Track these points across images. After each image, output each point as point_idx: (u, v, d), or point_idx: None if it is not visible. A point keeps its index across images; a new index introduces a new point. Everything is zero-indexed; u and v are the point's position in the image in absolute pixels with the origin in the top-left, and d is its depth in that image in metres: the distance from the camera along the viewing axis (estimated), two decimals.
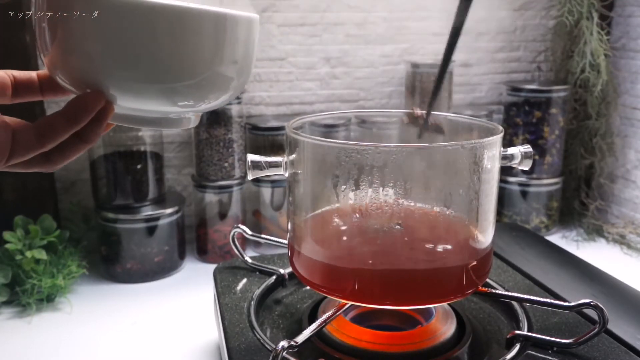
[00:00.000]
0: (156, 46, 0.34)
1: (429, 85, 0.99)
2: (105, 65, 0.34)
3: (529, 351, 0.48)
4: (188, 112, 0.40)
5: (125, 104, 0.37)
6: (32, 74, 0.40)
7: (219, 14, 0.36)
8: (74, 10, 0.33)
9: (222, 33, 0.36)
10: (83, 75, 0.35)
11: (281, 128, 0.93)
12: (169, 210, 0.87)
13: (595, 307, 0.47)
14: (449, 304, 0.54)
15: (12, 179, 0.86)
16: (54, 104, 0.90)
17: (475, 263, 0.48)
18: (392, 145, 0.45)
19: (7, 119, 0.35)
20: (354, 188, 0.46)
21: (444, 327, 0.51)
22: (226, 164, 0.92)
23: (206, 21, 0.35)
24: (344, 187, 0.46)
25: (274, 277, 0.62)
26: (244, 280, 0.62)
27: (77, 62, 0.35)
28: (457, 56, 1.07)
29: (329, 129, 0.61)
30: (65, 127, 0.35)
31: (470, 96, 1.11)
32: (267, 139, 0.94)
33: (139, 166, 0.87)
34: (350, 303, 0.49)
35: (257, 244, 0.96)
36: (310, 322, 0.50)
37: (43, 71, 0.40)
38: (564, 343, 0.48)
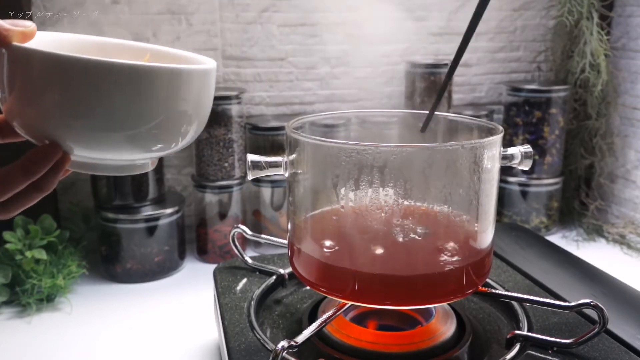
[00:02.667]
0: (112, 102, 0.34)
1: (428, 85, 0.99)
2: (62, 119, 0.35)
3: (529, 351, 0.48)
4: (144, 159, 0.41)
5: (83, 154, 0.37)
6: None
7: (173, 71, 0.36)
8: (30, 66, 0.34)
9: (176, 88, 0.36)
10: (40, 127, 0.36)
11: (281, 128, 0.93)
12: (169, 210, 0.87)
13: (595, 307, 0.47)
14: (449, 304, 0.54)
15: None
16: None
17: (475, 263, 0.48)
18: (392, 145, 0.45)
19: None
20: (354, 188, 0.46)
21: (444, 327, 0.51)
22: (226, 164, 0.92)
23: (160, 77, 0.35)
24: (344, 187, 0.46)
25: (274, 277, 0.61)
26: (244, 280, 0.62)
27: (34, 116, 0.35)
28: None
29: (329, 129, 0.61)
30: (22, 179, 0.35)
31: (470, 96, 1.11)
32: (267, 139, 0.94)
33: None
34: (350, 303, 0.49)
35: (257, 244, 0.96)
36: (310, 322, 0.50)
37: (2, 115, 0.40)
38: (564, 343, 0.48)
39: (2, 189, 0.35)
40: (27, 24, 0.36)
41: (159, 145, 0.38)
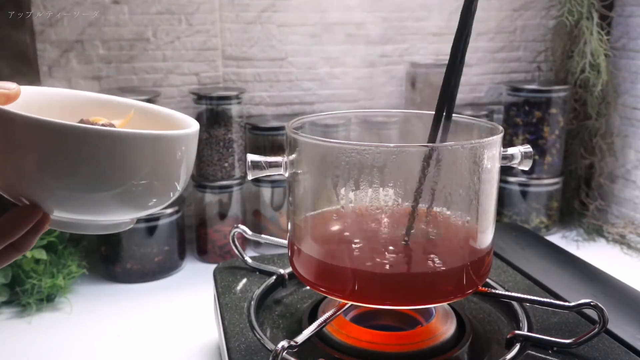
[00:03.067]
0: (93, 166, 0.35)
1: (428, 85, 0.99)
2: (42, 182, 0.35)
3: (529, 351, 0.48)
4: (123, 219, 0.41)
5: (63, 214, 0.37)
6: None
7: (155, 138, 0.36)
8: (11, 129, 0.34)
9: (159, 153, 0.37)
10: (20, 189, 0.36)
11: (281, 128, 0.93)
12: (169, 210, 0.87)
13: (595, 307, 0.47)
14: (449, 304, 0.54)
15: None
16: None
17: (475, 263, 0.48)
18: (392, 145, 0.45)
19: None
20: (354, 188, 0.46)
21: (444, 327, 0.51)
22: (226, 164, 0.92)
23: (141, 145, 0.36)
24: (344, 187, 0.46)
25: (274, 277, 0.61)
26: (244, 280, 0.62)
27: (14, 177, 0.35)
28: None
29: (329, 129, 0.61)
30: (0, 241, 0.35)
31: (470, 96, 1.11)
32: (267, 139, 0.94)
33: None
34: (350, 303, 0.49)
35: (257, 244, 0.96)
36: (310, 322, 0.49)
37: None
38: (564, 343, 0.48)
39: None
40: (11, 87, 0.36)
41: (154, 200, 0.39)
